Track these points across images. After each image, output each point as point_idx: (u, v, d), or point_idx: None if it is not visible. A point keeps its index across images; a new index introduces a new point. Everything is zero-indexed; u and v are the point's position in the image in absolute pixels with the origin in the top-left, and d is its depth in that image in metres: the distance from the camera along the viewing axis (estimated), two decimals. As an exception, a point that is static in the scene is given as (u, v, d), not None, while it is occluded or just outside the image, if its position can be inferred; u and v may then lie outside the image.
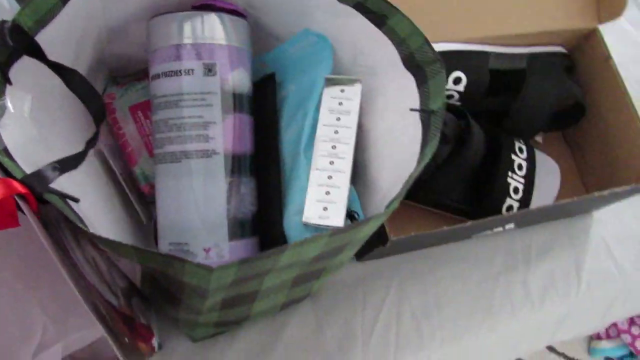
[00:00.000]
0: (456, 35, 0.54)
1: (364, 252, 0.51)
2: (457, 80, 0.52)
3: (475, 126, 0.52)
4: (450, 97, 0.54)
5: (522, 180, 0.55)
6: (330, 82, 0.45)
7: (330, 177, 0.41)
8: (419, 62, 0.41)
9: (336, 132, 0.43)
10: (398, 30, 0.41)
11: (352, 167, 0.42)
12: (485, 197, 0.54)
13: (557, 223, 0.61)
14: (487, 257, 0.58)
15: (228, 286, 0.34)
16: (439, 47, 0.53)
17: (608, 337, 1.20)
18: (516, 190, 0.55)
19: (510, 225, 0.55)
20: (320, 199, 0.41)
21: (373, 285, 0.54)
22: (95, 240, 0.28)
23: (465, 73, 0.52)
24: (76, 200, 0.32)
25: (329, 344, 0.52)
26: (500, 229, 0.55)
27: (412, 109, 0.40)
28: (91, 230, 0.30)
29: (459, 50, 0.53)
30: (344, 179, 0.41)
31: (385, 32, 0.42)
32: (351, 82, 0.45)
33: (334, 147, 0.42)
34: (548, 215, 0.56)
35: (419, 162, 0.37)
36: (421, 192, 0.53)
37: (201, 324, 0.43)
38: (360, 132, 0.47)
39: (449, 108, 0.54)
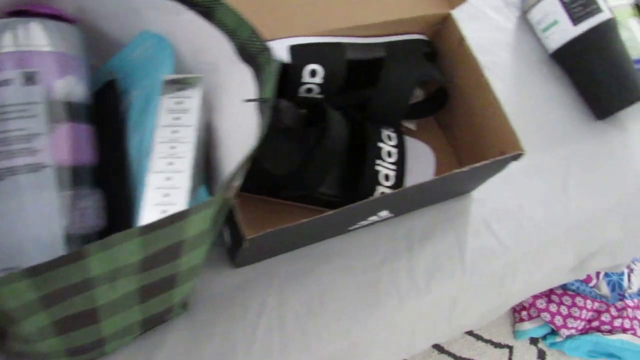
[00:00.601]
0: (311, 29, 0.53)
1: (234, 257, 0.50)
2: (313, 73, 0.52)
3: (334, 116, 0.52)
4: (309, 90, 0.54)
5: (393, 167, 0.56)
6: (169, 83, 0.43)
7: (168, 179, 0.39)
8: (250, 52, 0.40)
9: (175, 132, 0.41)
10: (227, 22, 0.40)
11: (193, 166, 0.40)
12: (355, 187, 0.54)
13: (437, 207, 0.61)
14: (368, 249, 0.57)
15: (44, 304, 0.31)
16: (293, 41, 0.52)
17: (530, 318, 1.23)
18: (387, 177, 0.55)
19: (386, 213, 0.55)
20: (159, 202, 0.39)
21: (252, 291, 0.52)
22: None
23: (321, 65, 0.52)
24: None
25: (209, 358, 0.49)
26: (376, 217, 0.55)
27: (246, 100, 0.39)
28: None
29: (313, 43, 0.53)
30: (183, 179, 0.39)
31: (216, 25, 0.41)
32: (191, 80, 0.43)
33: (172, 147, 0.40)
34: (422, 197, 0.57)
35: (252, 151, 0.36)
36: (290, 187, 0.52)
37: (49, 354, 0.39)
38: (211, 131, 0.46)
39: (309, 101, 0.54)
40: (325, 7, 0.55)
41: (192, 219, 0.32)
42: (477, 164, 0.51)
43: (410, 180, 0.57)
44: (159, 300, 0.42)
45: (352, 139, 0.55)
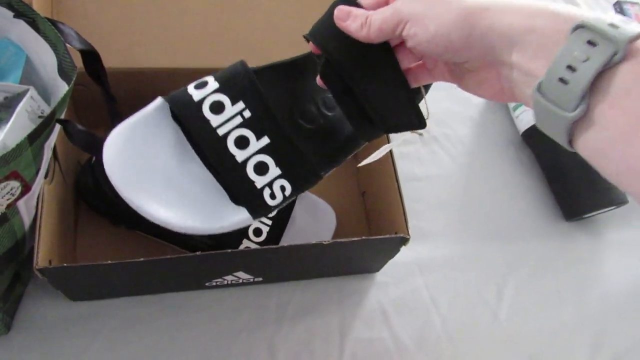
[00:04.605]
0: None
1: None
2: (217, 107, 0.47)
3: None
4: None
5: (268, 222, 0.50)
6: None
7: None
8: (66, 70, 0.38)
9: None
10: (49, 35, 0.38)
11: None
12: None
13: (327, 281, 0.54)
14: (229, 311, 0.51)
15: None
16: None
17: None
18: (258, 232, 0.49)
19: (245, 275, 0.48)
20: None
21: (81, 329, 0.48)
22: None
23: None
24: None
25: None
26: (232, 277, 0.48)
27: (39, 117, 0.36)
28: None
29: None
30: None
31: (43, 37, 0.39)
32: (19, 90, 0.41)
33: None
34: (294, 265, 0.50)
35: None
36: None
37: None
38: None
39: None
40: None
41: None
42: (341, 240, 0.44)
43: (302, 241, 0.50)
44: None
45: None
